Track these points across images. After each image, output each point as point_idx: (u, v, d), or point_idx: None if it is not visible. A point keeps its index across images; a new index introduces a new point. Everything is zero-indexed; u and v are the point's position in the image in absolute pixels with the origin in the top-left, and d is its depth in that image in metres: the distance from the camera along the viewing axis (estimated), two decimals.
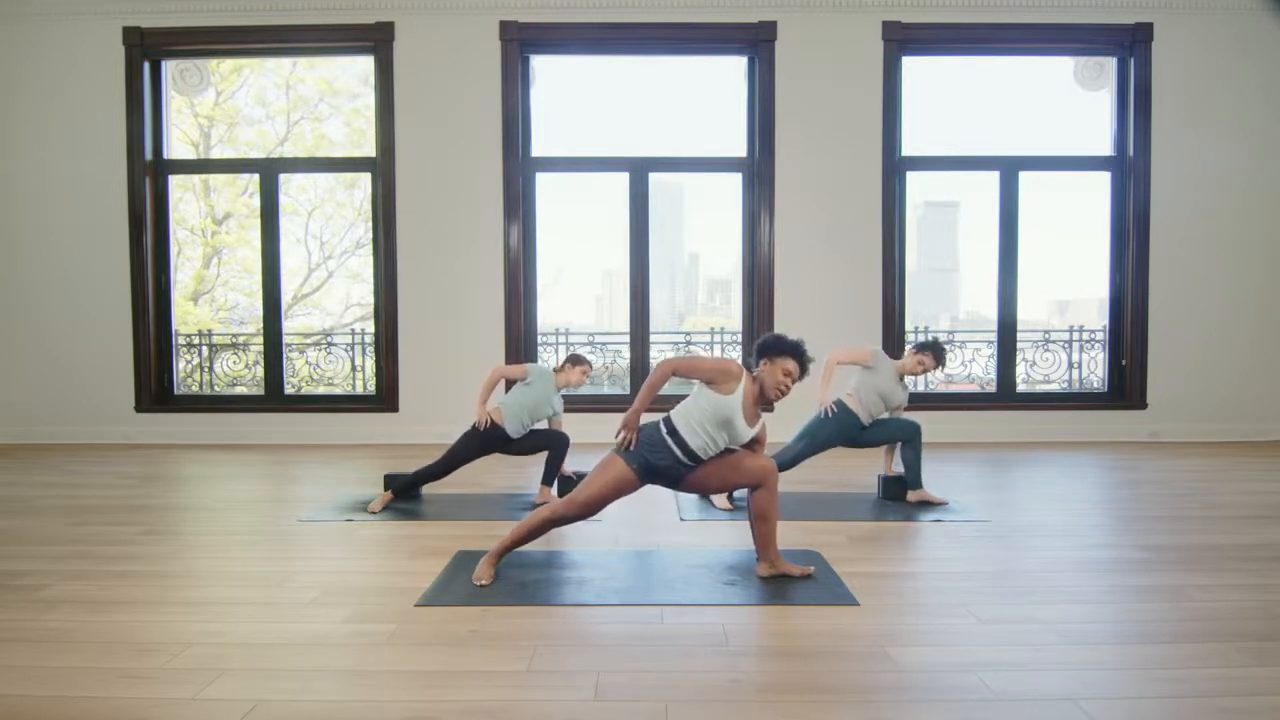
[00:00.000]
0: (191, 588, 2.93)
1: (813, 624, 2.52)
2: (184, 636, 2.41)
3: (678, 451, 2.86)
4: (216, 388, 6.85)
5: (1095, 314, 6.89)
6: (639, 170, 6.47)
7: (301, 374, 6.90)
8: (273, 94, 9.48)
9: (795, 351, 2.89)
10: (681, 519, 3.87)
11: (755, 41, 6.25)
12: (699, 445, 2.85)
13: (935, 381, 6.63)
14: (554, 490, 4.20)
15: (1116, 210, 6.49)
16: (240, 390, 6.87)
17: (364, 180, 7.27)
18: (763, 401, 2.96)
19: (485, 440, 4.11)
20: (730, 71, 6.63)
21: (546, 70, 6.56)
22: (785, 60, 6.25)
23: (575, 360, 4.26)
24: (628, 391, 6.57)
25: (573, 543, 3.43)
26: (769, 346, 2.91)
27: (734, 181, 6.52)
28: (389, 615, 2.58)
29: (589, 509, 2.86)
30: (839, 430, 4.18)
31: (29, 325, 6.36)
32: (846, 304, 6.27)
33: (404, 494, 4.16)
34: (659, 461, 2.86)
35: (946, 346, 6.54)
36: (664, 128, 7.55)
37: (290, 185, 9.13)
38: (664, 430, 2.88)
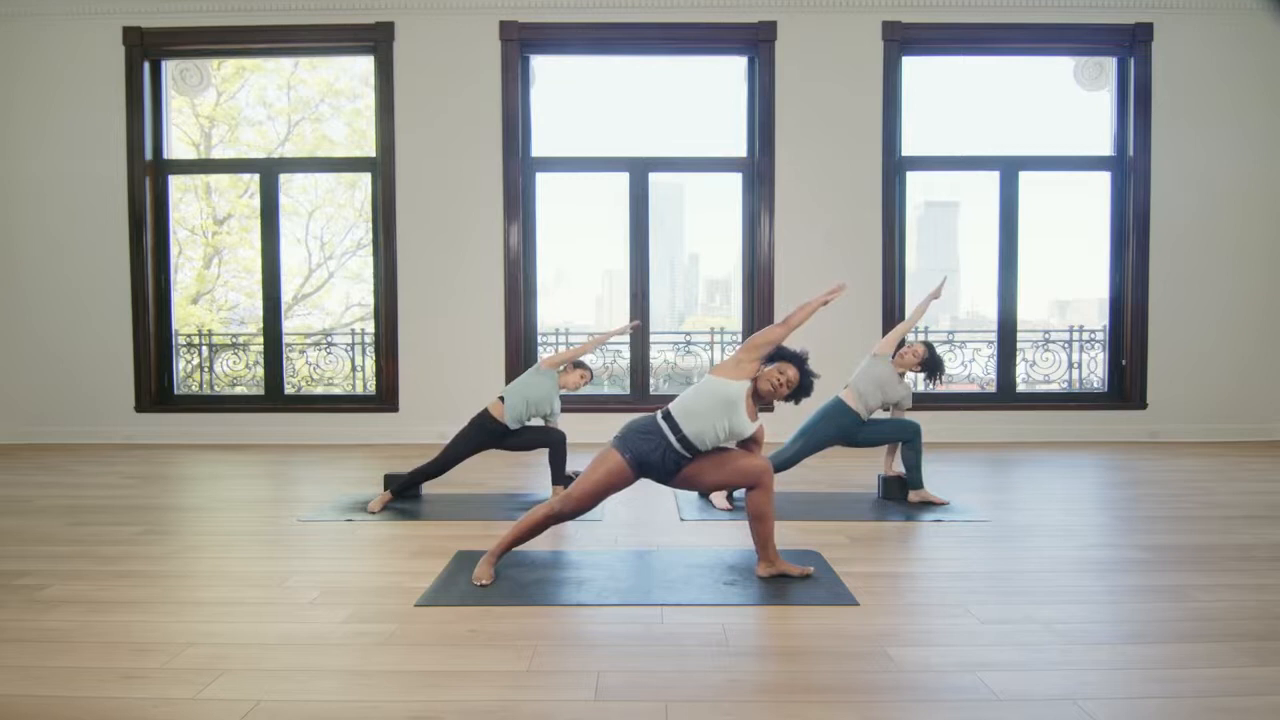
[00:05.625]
0: (191, 588, 2.93)
1: (813, 624, 2.52)
2: (184, 636, 2.41)
3: (671, 437, 2.85)
4: (217, 388, 6.85)
5: (1095, 314, 6.89)
6: (639, 170, 6.47)
7: (301, 374, 6.90)
8: (274, 94, 9.48)
9: (796, 359, 3.02)
10: (681, 519, 3.87)
11: (755, 41, 6.25)
12: (694, 431, 2.85)
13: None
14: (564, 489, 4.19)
15: (1116, 210, 6.49)
16: (240, 390, 6.87)
17: (364, 180, 7.26)
18: (762, 401, 2.99)
19: (482, 435, 4.13)
20: (730, 71, 6.64)
21: (546, 70, 6.56)
22: (785, 60, 6.25)
23: (576, 364, 4.31)
24: (627, 391, 6.58)
25: (573, 543, 3.44)
26: (779, 354, 3.03)
27: (734, 181, 6.52)
28: (389, 615, 2.58)
29: (584, 504, 2.86)
30: (837, 429, 4.18)
31: (29, 325, 6.36)
32: (847, 304, 6.24)
33: (403, 493, 4.17)
34: (651, 451, 2.85)
35: (946, 347, 6.62)
36: (664, 128, 7.53)
37: (291, 186, 9.13)
38: (660, 417, 2.90)
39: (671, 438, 2.86)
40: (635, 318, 6.39)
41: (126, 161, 6.31)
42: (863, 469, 4.99)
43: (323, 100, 9.44)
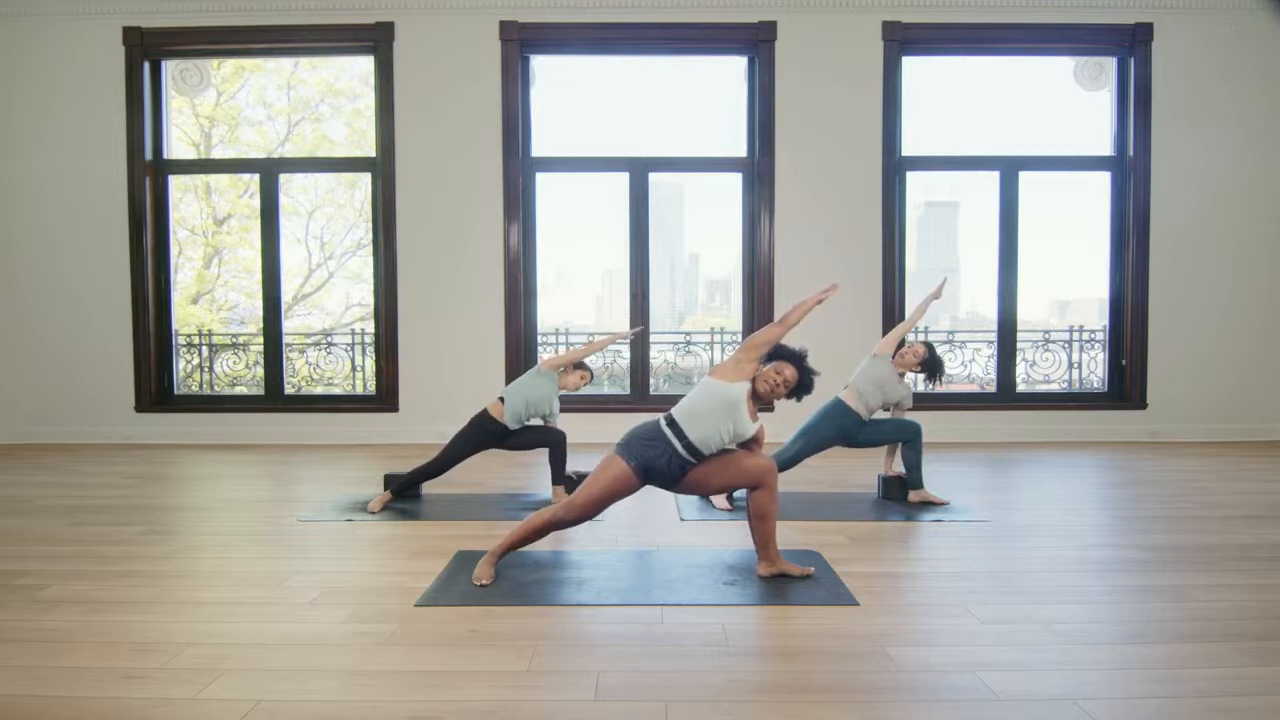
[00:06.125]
0: (191, 588, 2.93)
1: (813, 624, 2.52)
2: (184, 636, 2.41)
3: (676, 444, 2.84)
4: (217, 388, 6.85)
5: (1095, 314, 6.89)
6: (639, 170, 6.47)
7: (301, 374, 6.90)
8: (274, 94, 9.48)
9: (794, 357, 3.01)
10: (681, 519, 3.87)
11: (755, 41, 6.25)
12: (699, 436, 2.84)
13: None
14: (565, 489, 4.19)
15: (1116, 210, 6.49)
16: (240, 390, 6.87)
17: (364, 180, 7.26)
18: (761, 401, 2.98)
19: (481, 435, 4.13)
20: (730, 71, 6.63)
21: (546, 70, 6.56)
22: (785, 60, 6.25)
23: (577, 365, 4.30)
24: (627, 391, 6.58)
25: (573, 543, 3.43)
26: (777, 352, 3.02)
27: (734, 181, 6.52)
28: (389, 615, 2.58)
29: (587, 511, 2.85)
30: (837, 430, 4.18)
31: (29, 325, 6.36)
32: (846, 304, 6.25)
33: (403, 493, 4.17)
34: (656, 457, 2.84)
35: (946, 347, 6.63)
36: (664, 128, 7.53)
37: (291, 186, 9.13)
38: (663, 423, 2.89)
39: (677, 444, 2.85)
40: (636, 317, 6.40)
41: (126, 161, 6.31)
42: (863, 469, 4.99)
43: (323, 100, 9.44)
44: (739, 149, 6.50)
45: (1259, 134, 6.28)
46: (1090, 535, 3.63)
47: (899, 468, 4.34)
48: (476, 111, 6.27)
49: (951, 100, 6.98)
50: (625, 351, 6.61)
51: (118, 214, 6.32)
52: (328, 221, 9.93)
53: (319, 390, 6.88)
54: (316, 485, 4.84)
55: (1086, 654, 2.27)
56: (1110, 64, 6.46)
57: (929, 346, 4.31)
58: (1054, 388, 6.74)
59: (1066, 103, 6.70)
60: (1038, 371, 6.71)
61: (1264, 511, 4.02)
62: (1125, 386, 6.46)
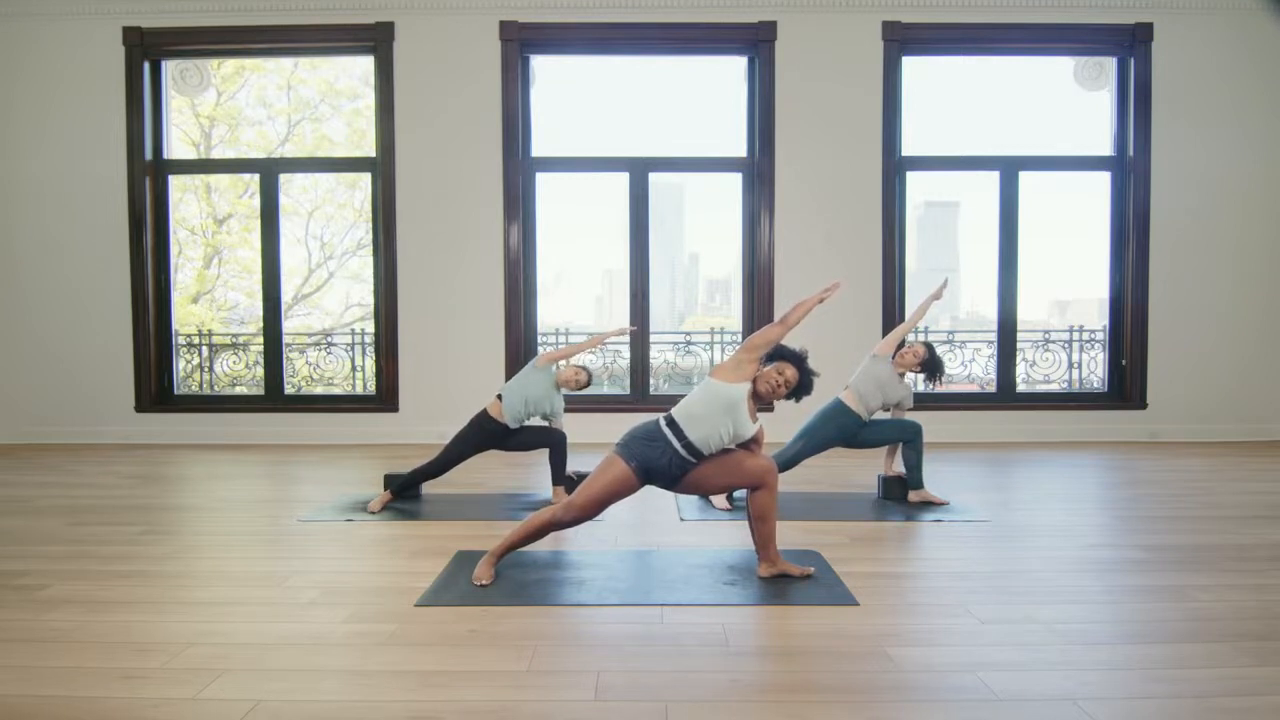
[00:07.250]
0: (191, 588, 2.93)
1: (813, 624, 2.52)
2: (184, 636, 2.41)
3: (676, 444, 2.84)
4: (217, 388, 6.85)
5: (1095, 314, 6.89)
6: (639, 170, 6.47)
7: (301, 374, 6.90)
8: (274, 94, 9.49)
9: (795, 358, 3.01)
10: (681, 519, 3.87)
11: (755, 41, 6.25)
12: (699, 437, 2.84)
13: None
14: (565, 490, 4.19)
15: (1116, 210, 6.49)
16: (240, 390, 6.87)
17: (364, 180, 7.27)
18: (761, 401, 2.98)
19: (481, 435, 4.12)
20: (730, 71, 6.63)
21: (546, 70, 6.56)
22: (785, 60, 6.25)
23: (575, 363, 4.31)
24: (627, 391, 6.58)
25: (573, 543, 3.43)
26: (778, 353, 3.02)
27: (734, 181, 6.52)
28: (389, 615, 2.58)
29: (587, 512, 2.84)
30: (838, 430, 4.18)
31: (29, 325, 6.36)
32: (846, 304, 6.26)
33: (403, 493, 4.17)
34: (656, 458, 2.84)
35: (946, 347, 6.63)
36: (664, 128, 7.56)
37: (291, 186, 9.14)
38: (663, 423, 2.88)
39: (676, 444, 2.84)
40: (635, 317, 6.40)
41: (126, 161, 6.31)
42: (863, 469, 4.99)
43: (323, 100, 9.44)
44: (739, 149, 6.50)
45: (1259, 134, 6.28)
46: (1090, 535, 3.63)
47: (899, 468, 4.34)
48: (476, 111, 6.27)
49: (951, 100, 6.99)
50: (625, 351, 6.61)
51: (118, 214, 6.32)
52: (328, 221, 9.94)
53: (319, 390, 6.88)
54: (316, 485, 4.84)
55: (1086, 654, 2.27)
56: (1110, 64, 6.46)
57: (929, 347, 4.32)
58: (1054, 388, 6.74)
59: (1066, 103, 6.70)
60: (1038, 371, 6.71)
61: (1264, 511, 4.02)
62: (1125, 386, 6.46)
